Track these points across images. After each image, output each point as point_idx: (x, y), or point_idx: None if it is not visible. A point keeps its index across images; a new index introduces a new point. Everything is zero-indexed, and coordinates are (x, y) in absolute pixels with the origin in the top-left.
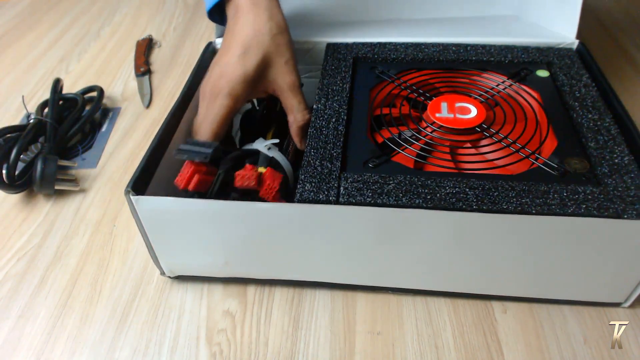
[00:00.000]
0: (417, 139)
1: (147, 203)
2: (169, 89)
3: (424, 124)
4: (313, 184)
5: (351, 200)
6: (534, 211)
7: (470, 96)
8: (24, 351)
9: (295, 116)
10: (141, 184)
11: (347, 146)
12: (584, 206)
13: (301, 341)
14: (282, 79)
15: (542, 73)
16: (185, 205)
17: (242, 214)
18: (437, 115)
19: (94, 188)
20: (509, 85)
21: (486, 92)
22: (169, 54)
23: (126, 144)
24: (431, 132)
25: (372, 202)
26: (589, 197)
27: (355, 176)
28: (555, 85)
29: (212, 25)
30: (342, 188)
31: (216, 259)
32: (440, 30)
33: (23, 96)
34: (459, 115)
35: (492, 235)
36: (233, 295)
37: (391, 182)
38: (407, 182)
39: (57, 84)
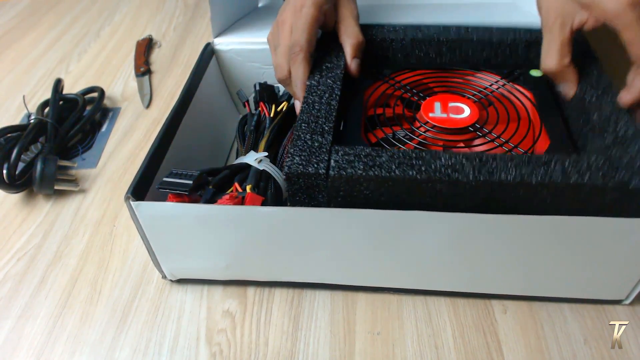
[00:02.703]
0: (411, 139)
1: (147, 208)
2: (169, 89)
3: (418, 124)
4: (302, 157)
5: (342, 172)
6: (534, 181)
7: (463, 96)
8: (24, 351)
9: (349, 35)
10: (141, 189)
11: (340, 136)
12: (587, 175)
13: (301, 341)
14: (344, 7)
15: (536, 73)
16: (186, 210)
17: (242, 218)
18: (431, 115)
19: (93, 188)
20: (502, 85)
21: (479, 91)
22: (169, 54)
23: (126, 144)
24: (424, 132)
25: (364, 174)
26: (592, 166)
27: (347, 149)
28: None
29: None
30: (332, 160)
31: (217, 263)
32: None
33: (24, 96)
34: (452, 115)
35: (491, 234)
36: (233, 295)
37: (384, 154)
38: (400, 154)
39: (58, 84)
